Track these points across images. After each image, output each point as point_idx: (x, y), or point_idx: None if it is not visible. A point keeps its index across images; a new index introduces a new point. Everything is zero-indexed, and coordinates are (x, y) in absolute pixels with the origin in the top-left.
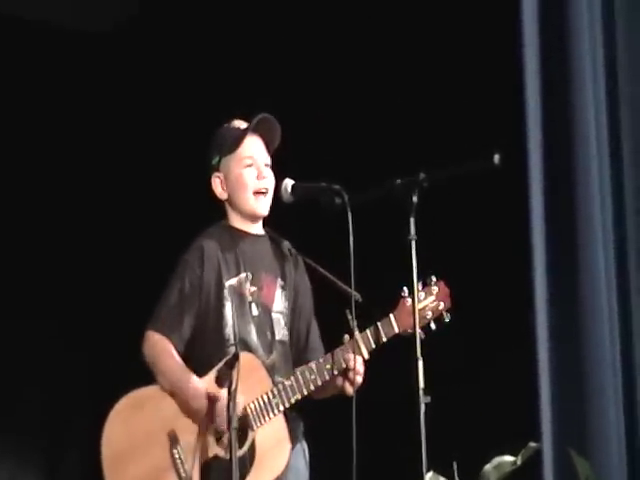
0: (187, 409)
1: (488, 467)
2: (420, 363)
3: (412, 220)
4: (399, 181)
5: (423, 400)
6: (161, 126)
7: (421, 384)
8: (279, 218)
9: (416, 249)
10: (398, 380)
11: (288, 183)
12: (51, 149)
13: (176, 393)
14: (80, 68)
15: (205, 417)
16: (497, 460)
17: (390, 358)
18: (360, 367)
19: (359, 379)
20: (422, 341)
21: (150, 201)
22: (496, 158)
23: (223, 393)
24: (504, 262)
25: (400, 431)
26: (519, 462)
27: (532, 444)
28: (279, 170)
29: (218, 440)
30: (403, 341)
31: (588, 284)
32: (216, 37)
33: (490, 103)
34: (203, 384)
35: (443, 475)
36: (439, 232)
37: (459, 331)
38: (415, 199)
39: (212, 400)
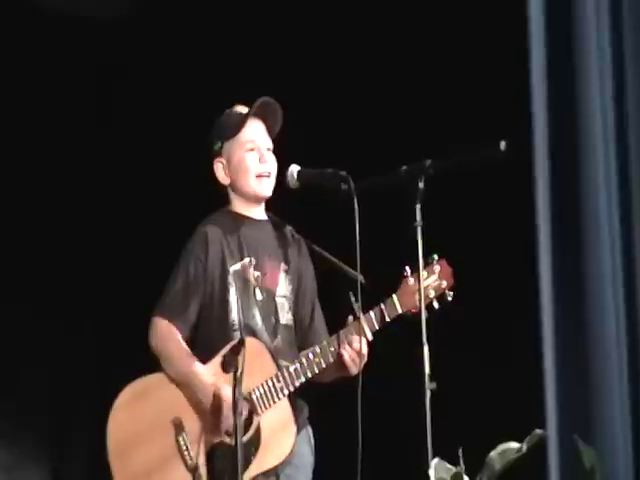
0: (192, 397)
1: (493, 454)
2: (426, 349)
3: (418, 207)
4: (405, 168)
5: (429, 386)
6: (165, 112)
7: (427, 370)
8: (285, 204)
9: (422, 236)
10: (404, 366)
11: (294, 169)
12: (53, 133)
13: (181, 381)
14: (85, 54)
15: (210, 414)
16: (502, 447)
17: (396, 344)
18: (364, 348)
19: (363, 360)
20: (428, 327)
21: (155, 188)
22: (502, 145)
23: (227, 394)
24: (510, 249)
25: (406, 417)
26: (524, 449)
27: (537, 431)
28: (285, 156)
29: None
30: (409, 327)
31: (594, 270)
32: (222, 22)
33: (496, 90)
34: (209, 373)
35: (449, 461)
36: (445, 219)
37: (465, 317)
38: (421, 186)
39: (218, 400)
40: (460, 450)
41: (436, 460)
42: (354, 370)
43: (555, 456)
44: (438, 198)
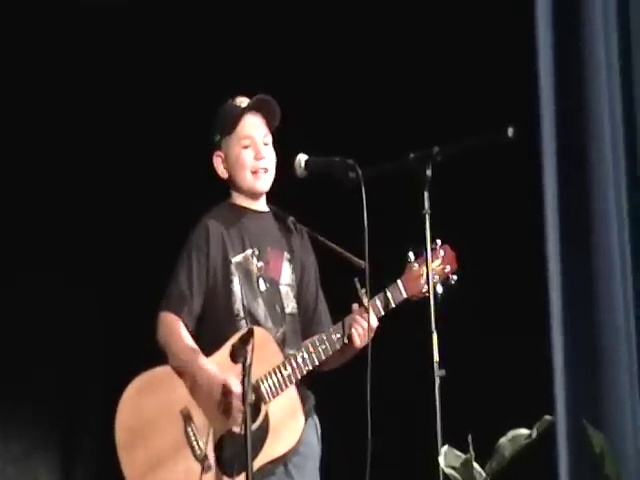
0: (199, 388)
1: (503, 440)
2: (435, 336)
3: (426, 194)
4: (413, 155)
5: (438, 373)
6: (168, 102)
7: (436, 357)
8: (291, 193)
9: (430, 223)
10: (413, 354)
11: (301, 158)
12: (61, 121)
13: (188, 375)
14: (91, 42)
15: (218, 407)
16: (512, 433)
17: (405, 332)
18: (374, 322)
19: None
20: (436, 314)
21: (157, 181)
22: (510, 131)
23: (236, 389)
24: (518, 234)
25: (415, 405)
26: (534, 435)
27: (547, 417)
28: (291, 145)
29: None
30: (418, 315)
31: (602, 254)
32: (224, 10)
33: (503, 76)
34: (215, 366)
35: (458, 448)
36: (453, 206)
37: (473, 304)
38: (429, 173)
39: (226, 393)
40: (470, 437)
41: (446, 447)
42: (358, 343)
43: (564, 441)
44: (445, 185)
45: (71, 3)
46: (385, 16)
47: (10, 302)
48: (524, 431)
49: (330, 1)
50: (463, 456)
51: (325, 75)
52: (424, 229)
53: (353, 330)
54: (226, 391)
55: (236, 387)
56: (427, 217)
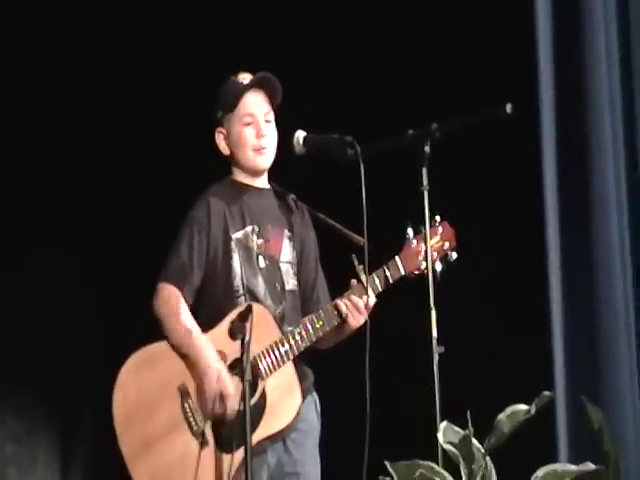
0: (196, 365)
1: (502, 416)
2: (433, 313)
3: (424, 170)
4: (411, 132)
5: (437, 350)
6: (169, 77)
7: (434, 334)
8: (291, 169)
9: (428, 199)
10: (411, 330)
11: (300, 135)
12: (59, 104)
13: (185, 352)
14: (87, 22)
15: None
16: (510, 409)
17: (404, 308)
18: (371, 300)
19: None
20: (435, 291)
21: (159, 156)
22: (508, 107)
23: (230, 390)
24: (517, 211)
25: (414, 381)
26: (532, 411)
27: (546, 393)
28: (290, 122)
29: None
30: (417, 291)
31: (601, 243)
32: None
33: (504, 66)
34: (212, 353)
35: (457, 424)
36: (451, 182)
37: (472, 281)
38: (427, 149)
39: (222, 395)
40: (468, 413)
41: (445, 423)
42: (354, 323)
43: (563, 417)
44: (444, 161)
45: None
46: None
47: (10, 282)
48: (523, 407)
49: None
50: (462, 432)
51: (324, 52)
52: (423, 206)
53: (348, 311)
54: (220, 394)
55: (230, 388)
56: (425, 194)
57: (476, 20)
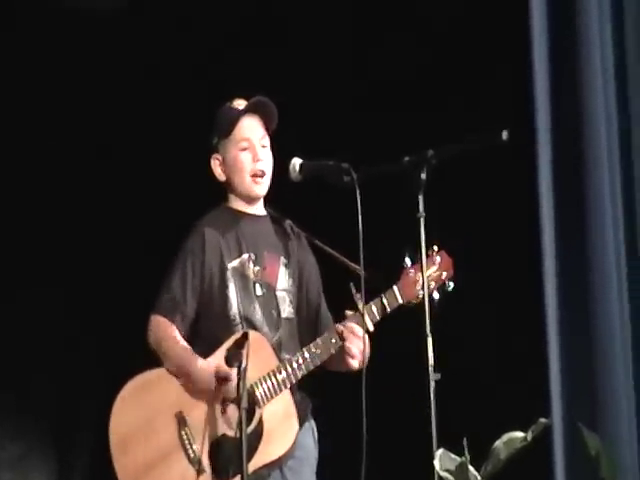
0: (194, 390)
1: (498, 443)
2: (429, 340)
3: (421, 197)
4: (407, 158)
5: (433, 377)
6: (166, 105)
7: (431, 361)
8: (286, 196)
9: (424, 226)
10: (408, 357)
11: (296, 162)
12: (57, 126)
13: (182, 375)
14: (89, 46)
15: (213, 394)
16: (507, 436)
17: (400, 335)
18: (365, 339)
19: (367, 352)
20: (432, 318)
21: (153, 184)
22: (504, 134)
23: (229, 370)
24: (513, 238)
25: (410, 408)
26: (529, 438)
27: (542, 420)
28: (286, 149)
29: (224, 413)
30: (413, 318)
31: (599, 259)
32: (223, 15)
33: (498, 79)
34: (209, 364)
35: (454, 451)
36: (448, 209)
37: (469, 307)
38: (424, 176)
39: (221, 379)
40: (465, 440)
41: (441, 450)
42: (355, 364)
43: (560, 444)
44: (440, 187)
45: (73, 7)
46: (380, 18)
47: (4, 312)
48: (519, 434)
49: (325, 5)
50: (458, 459)
51: (320, 78)
52: (419, 232)
53: (345, 337)
54: (219, 376)
55: (232, 384)
56: (422, 220)
57: (471, 40)
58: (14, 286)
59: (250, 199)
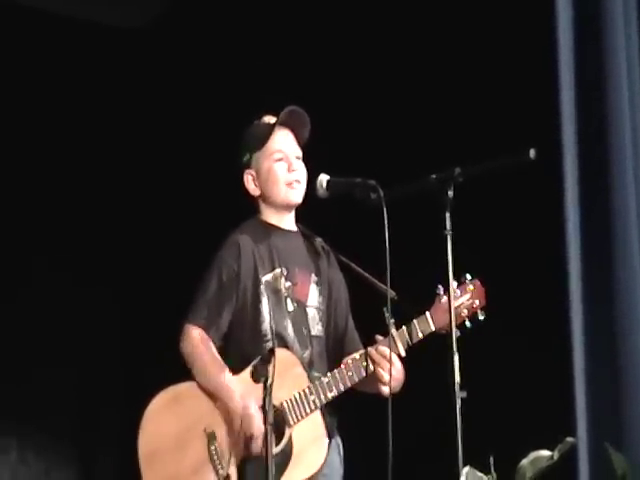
0: (224, 407)
1: (524, 462)
2: (456, 358)
3: (448, 215)
4: (434, 176)
5: (459, 395)
6: (192, 122)
7: (457, 379)
8: (314, 213)
9: (452, 244)
10: (434, 375)
11: (323, 179)
12: (85, 141)
13: (212, 392)
14: (109, 63)
15: (238, 436)
16: (534, 455)
17: (426, 353)
18: (397, 362)
19: (400, 376)
20: (458, 336)
21: (186, 196)
22: (532, 153)
23: (255, 432)
24: (539, 257)
25: (436, 426)
26: (555, 457)
27: (569, 439)
28: (314, 166)
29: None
30: (439, 336)
31: (624, 280)
32: (247, 32)
33: (525, 97)
34: (240, 387)
35: (480, 470)
36: (475, 227)
37: (495, 326)
38: (450, 194)
39: (247, 423)
40: (491, 458)
41: (467, 468)
42: (386, 390)
43: (586, 464)
44: (467, 205)
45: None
46: (407, 35)
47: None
48: (546, 453)
49: (352, 22)
50: (485, 477)
51: (347, 95)
52: (446, 250)
53: (376, 361)
54: (248, 424)
55: (255, 430)
56: (449, 237)
57: (499, 62)
58: (33, 299)
59: (286, 207)
